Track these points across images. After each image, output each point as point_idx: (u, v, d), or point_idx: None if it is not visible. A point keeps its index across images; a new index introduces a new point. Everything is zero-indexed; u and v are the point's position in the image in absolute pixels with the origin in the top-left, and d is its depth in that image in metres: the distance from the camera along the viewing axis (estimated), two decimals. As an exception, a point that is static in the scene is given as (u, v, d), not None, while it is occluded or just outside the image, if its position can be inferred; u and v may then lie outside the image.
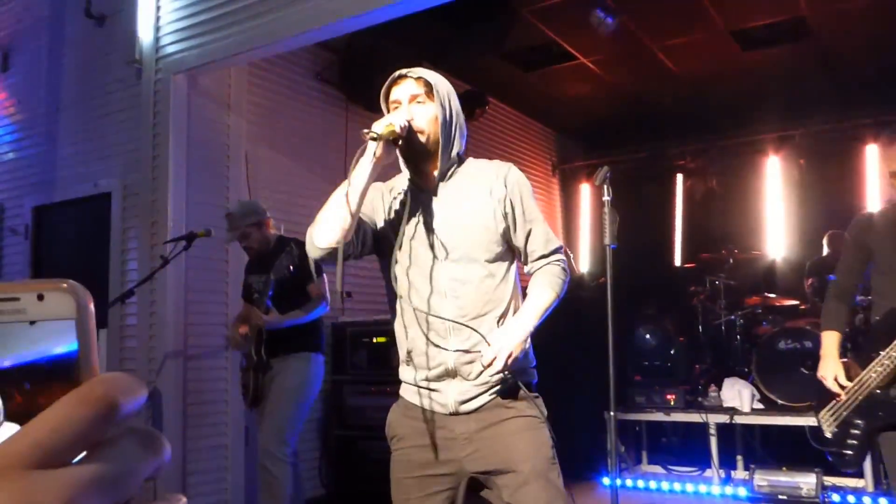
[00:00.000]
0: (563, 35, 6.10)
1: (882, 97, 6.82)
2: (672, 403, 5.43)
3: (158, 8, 4.66)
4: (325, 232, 1.92)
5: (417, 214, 2.01)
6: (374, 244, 2.09)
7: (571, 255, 8.52)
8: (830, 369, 2.81)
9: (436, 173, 2.03)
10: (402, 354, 2.06)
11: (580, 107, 7.91)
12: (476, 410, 1.96)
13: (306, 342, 3.96)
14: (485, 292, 1.97)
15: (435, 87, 1.98)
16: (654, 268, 7.97)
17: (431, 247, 1.98)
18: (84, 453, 0.38)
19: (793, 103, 7.24)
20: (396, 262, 2.01)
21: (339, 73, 5.66)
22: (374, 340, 5.21)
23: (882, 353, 2.62)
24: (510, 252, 2.06)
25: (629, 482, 5.45)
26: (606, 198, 2.63)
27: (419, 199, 2.03)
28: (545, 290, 2.02)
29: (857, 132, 7.22)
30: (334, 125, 5.73)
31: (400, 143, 1.92)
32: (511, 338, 1.90)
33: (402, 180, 2.11)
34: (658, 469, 5.67)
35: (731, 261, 6.47)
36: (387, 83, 2.01)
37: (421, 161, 2.03)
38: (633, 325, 6.17)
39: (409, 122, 1.93)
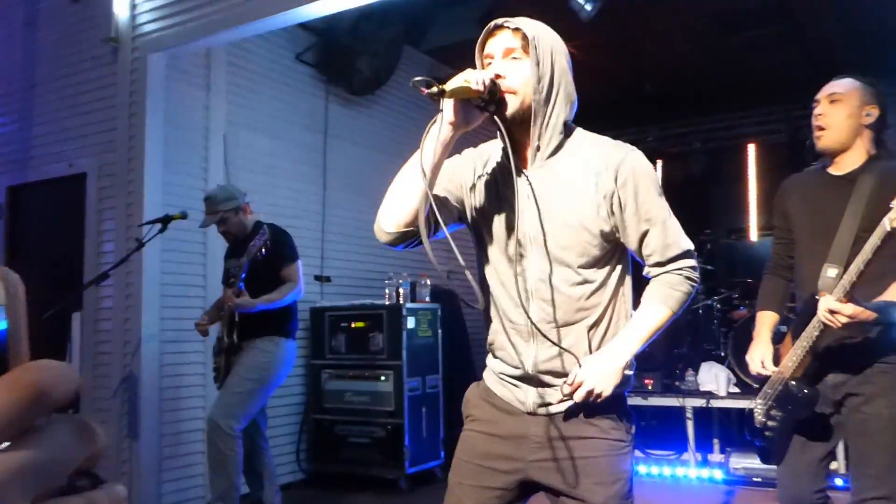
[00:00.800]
0: (544, 19, 6.06)
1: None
2: (650, 388, 5.48)
3: (135, -15, 4.57)
4: (393, 213, 1.68)
5: (508, 197, 1.70)
6: (463, 219, 1.82)
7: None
8: (757, 353, 2.60)
9: (531, 148, 1.70)
10: (487, 341, 1.82)
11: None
12: (556, 415, 1.71)
13: (276, 326, 3.93)
14: (576, 299, 1.68)
15: (533, 39, 1.64)
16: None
17: (520, 239, 1.69)
18: (11, 441, 0.37)
19: (774, 88, 7.26)
20: (484, 247, 1.77)
21: (320, 54, 5.60)
22: (353, 325, 5.20)
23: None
24: (617, 254, 1.73)
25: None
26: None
27: (512, 177, 1.68)
28: (656, 308, 1.69)
29: (836, 119, 7.24)
30: (314, 107, 5.67)
31: (485, 105, 1.60)
32: (604, 373, 1.63)
33: (496, 152, 1.80)
34: (636, 452, 5.71)
35: (710, 245, 6.52)
36: (482, 36, 1.71)
37: (516, 130, 1.68)
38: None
39: (493, 79, 1.60)
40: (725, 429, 5.48)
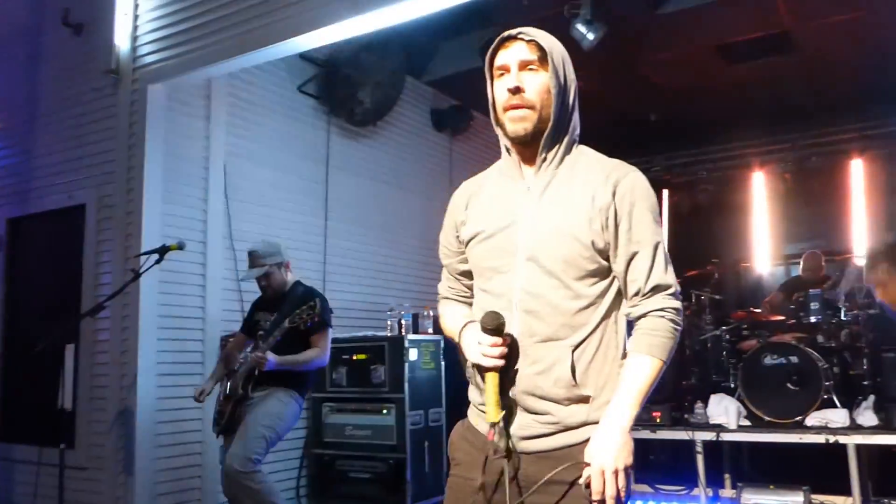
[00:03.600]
0: (547, 48, 6.07)
1: (866, 112, 6.83)
2: (658, 421, 5.35)
3: (136, 17, 4.59)
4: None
5: (506, 207, 1.69)
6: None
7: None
8: None
9: (538, 159, 1.67)
10: (466, 371, 1.75)
11: (566, 121, 7.87)
12: (541, 453, 1.60)
13: (294, 383, 3.89)
14: (562, 313, 1.60)
15: (550, 52, 1.62)
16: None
17: (512, 249, 1.64)
18: None
19: (778, 117, 7.24)
20: (474, 260, 1.74)
21: (321, 85, 5.60)
22: (354, 357, 5.11)
23: None
24: (608, 284, 1.65)
25: (615, 501, 5.35)
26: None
27: (512, 188, 1.70)
28: (646, 361, 1.57)
29: (841, 146, 7.21)
30: (316, 138, 5.66)
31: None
32: (613, 449, 1.51)
33: (495, 171, 1.80)
34: (645, 488, 5.57)
35: (717, 275, 6.43)
36: (492, 46, 1.67)
37: (525, 143, 1.67)
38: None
39: (517, 87, 1.61)
40: (736, 463, 5.34)
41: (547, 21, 5.28)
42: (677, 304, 1.62)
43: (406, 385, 4.91)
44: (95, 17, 4.80)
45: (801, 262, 6.33)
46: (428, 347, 5.19)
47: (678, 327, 1.61)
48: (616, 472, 1.50)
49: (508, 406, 1.61)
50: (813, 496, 4.55)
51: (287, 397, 3.84)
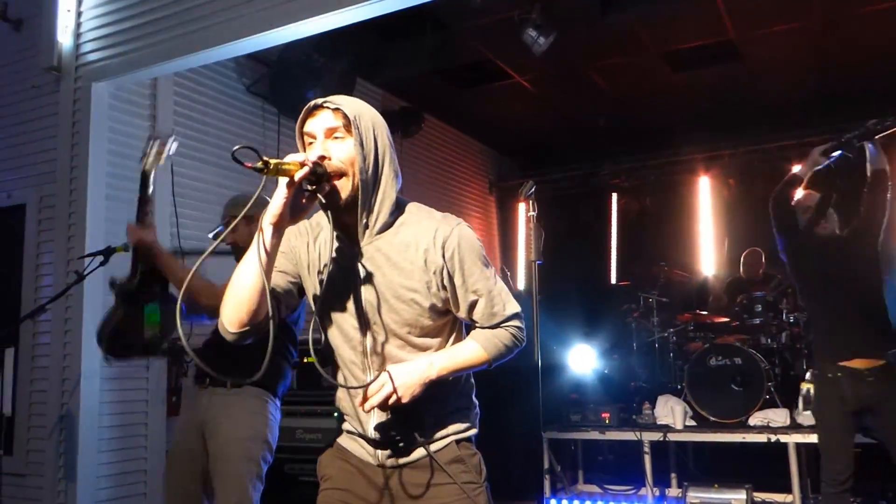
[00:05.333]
0: (497, 53, 6.12)
1: (807, 119, 7.04)
2: (607, 422, 5.43)
3: (80, 14, 4.48)
4: (234, 314, 1.65)
5: (341, 276, 1.72)
6: (302, 294, 1.84)
7: (509, 274, 8.53)
8: None
9: (360, 226, 1.69)
10: (336, 404, 1.88)
11: (516, 125, 7.95)
12: (405, 466, 1.76)
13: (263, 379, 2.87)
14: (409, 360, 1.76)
15: (355, 119, 1.64)
16: (590, 285, 8.03)
17: (357, 319, 1.72)
18: None
19: (722, 124, 7.43)
20: (325, 320, 1.79)
21: (271, 86, 5.54)
22: (305, 360, 5.06)
23: None
24: (450, 323, 1.81)
25: (565, 502, 5.41)
26: (532, 213, 2.60)
27: (344, 254, 1.72)
28: (474, 347, 1.77)
29: (783, 153, 7.43)
30: (266, 139, 5.60)
31: (314, 187, 1.59)
32: (406, 382, 1.67)
33: (326, 224, 1.77)
34: (594, 488, 5.65)
35: (664, 278, 6.56)
36: (301, 115, 1.68)
37: (344, 210, 1.69)
38: (568, 342, 6.17)
39: (318, 161, 1.58)
40: (682, 463, 5.45)
41: (499, 26, 5.37)
42: (520, 323, 1.81)
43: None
44: (36, 12, 4.66)
45: (742, 260, 6.49)
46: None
47: (518, 342, 1.81)
48: (398, 401, 1.67)
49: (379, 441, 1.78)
50: (756, 494, 4.67)
51: (252, 402, 3.07)
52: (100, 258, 3.73)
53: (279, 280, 1.76)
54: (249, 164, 1.50)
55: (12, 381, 3.78)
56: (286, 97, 5.53)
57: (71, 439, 4.11)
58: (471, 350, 1.77)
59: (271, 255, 1.63)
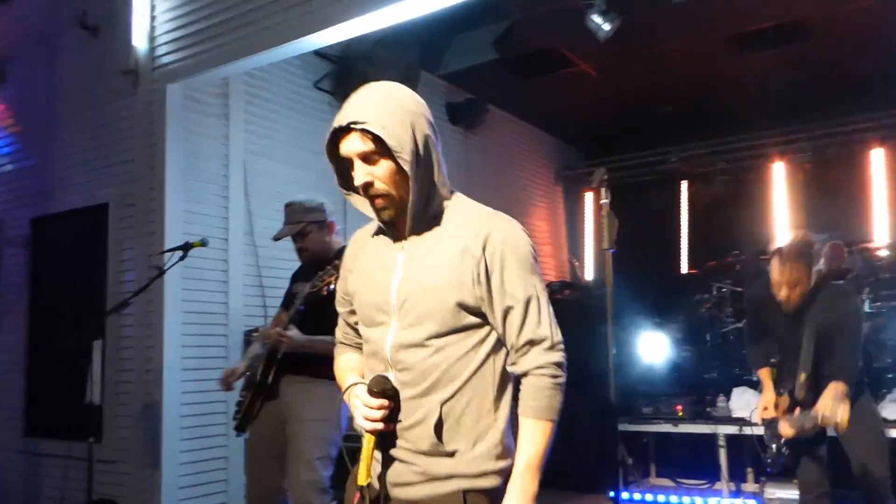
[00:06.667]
0: (561, 41, 6.05)
1: (886, 100, 6.75)
2: (680, 414, 5.33)
3: (153, 17, 4.63)
4: None
5: (382, 264, 1.68)
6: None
7: (577, 264, 8.45)
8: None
9: (407, 224, 1.64)
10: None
11: (582, 113, 7.85)
12: (411, 501, 1.61)
13: (328, 369, 2.85)
14: (430, 367, 1.59)
15: (384, 133, 1.54)
16: (660, 275, 7.89)
17: (386, 307, 1.64)
18: None
19: (796, 107, 7.17)
20: (357, 321, 1.76)
21: (336, 81, 5.62)
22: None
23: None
24: (485, 329, 1.63)
25: (637, 495, 5.34)
26: (604, 200, 2.57)
27: (388, 246, 1.70)
28: (535, 428, 1.58)
29: (861, 135, 7.13)
30: (333, 135, 5.68)
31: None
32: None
33: (379, 226, 1.74)
34: (667, 482, 5.56)
35: (738, 267, 6.39)
36: (328, 136, 1.63)
37: (397, 217, 1.66)
38: (639, 332, 6.08)
39: (366, 187, 1.60)
40: (759, 457, 5.30)
41: (563, 13, 5.31)
42: (556, 356, 1.60)
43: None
44: (112, 18, 4.84)
45: (825, 253, 6.25)
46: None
47: (560, 381, 1.60)
48: None
49: (385, 462, 1.64)
50: (837, 490, 4.52)
51: (327, 391, 3.03)
52: (178, 253, 3.86)
53: (347, 316, 1.83)
54: (357, 498, 1.60)
55: (100, 372, 3.94)
56: (351, 92, 5.58)
57: (154, 428, 4.28)
58: (538, 434, 1.58)
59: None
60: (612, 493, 5.21)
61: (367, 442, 1.58)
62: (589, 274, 8.62)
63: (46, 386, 5.06)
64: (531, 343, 1.58)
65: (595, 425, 5.67)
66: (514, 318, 1.58)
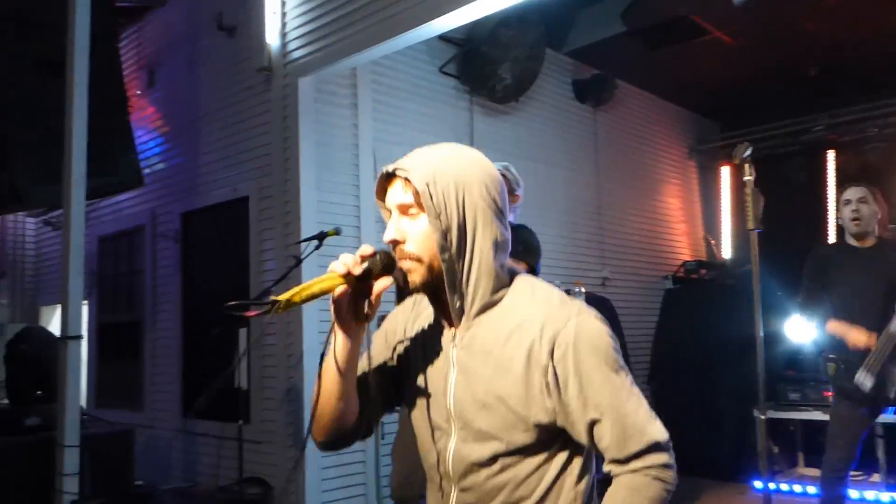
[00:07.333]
0: (693, 8, 5.76)
1: None
2: (830, 400, 5.00)
3: (284, 14, 4.78)
4: (318, 425, 1.46)
5: (434, 361, 1.45)
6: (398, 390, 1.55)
7: (714, 243, 8.09)
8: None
9: (454, 309, 1.39)
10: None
11: (716, 83, 7.46)
12: None
13: None
14: (495, 488, 1.37)
15: (427, 188, 1.33)
16: (805, 252, 7.40)
17: (444, 413, 1.42)
18: None
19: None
20: (413, 421, 1.52)
21: (461, 65, 5.61)
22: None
23: None
24: (559, 440, 1.37)
25: (783, 486, 5.07)
26: (748, 177, 2.41)
27: (440, 338, 1.45)
28: None
29: None
30: (458, 118, 5.69)
31: (380, 279, 1.36)
32: None
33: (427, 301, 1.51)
34: (816, 472, 5.24)
35: (895, 241, 5.88)
36: (377, 182, 1.45)
37: (438, 288, 1.40)
38: (783, 315, 5.74)
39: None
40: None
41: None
42: (666, 457, 1.32)
43: (558, 363, 4.87)
44: (246, 18, 5.04)
45: None
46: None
47: (668, 486, 1.31)
48: None
49: None
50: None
51: None
52: (314, 242, 3.99)
53: (376, 376, 1.49)
54: (252, 313, 1.32)
55: (247, 358, 4.15)
56: (476, 75, 5.58)
57: (297, 410, 4.47)
58: None
59: (349, 360, 1.41)
60: (756, 483, 4.97)
61: (329, 280, 1.36)
62: (726, 252, 8.22)
63: (200, 370, 5.40)
64: (636, 456, 1.31)
65: (737, 412, 5.43)
66: (605, 430, 1.30)
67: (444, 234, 1.33)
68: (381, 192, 1.45)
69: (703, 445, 5.31)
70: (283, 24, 4.78)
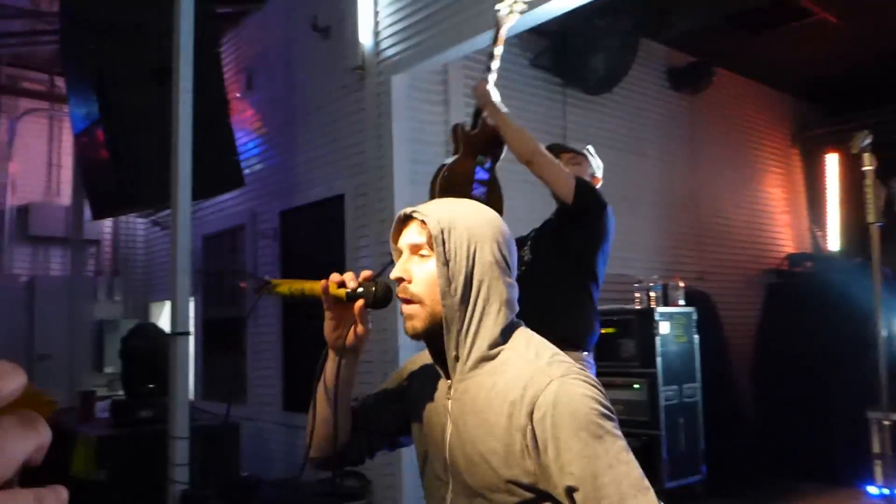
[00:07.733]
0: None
1: None
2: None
3: (377, 13, 4.84)
4: (314, 443, 1.50)
5: (434, 417, 1.45)
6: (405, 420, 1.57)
7: (820, 235, 7.72)
8: None
9: (450, 358, 1.39)
10: None
11: (821, 66, 7.10)
12: None
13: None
14: None
15: (441, 233, 1.34)
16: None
17: (442, 464, 1.41)
18: None
19: None
20: (419, 464, 1.54)
21: (553, 57, 5.54)
22: (602, 331, 5.03)
23: None
24: (546, 501, 1.29)
25: (902, 489, 4.78)
26: (868, 167, 2.26)
27: (437, 387, 1.45)
28: None
29: None
30: (552, 111, 5.63)
31: (373, 305, 1.39)
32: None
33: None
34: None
35: None
36: (394, 225, 1.46)
37: (436, 335, 1.40)
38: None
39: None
40: None
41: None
42: None
43: (658, 359, 4.76)
44: (340, 19, 5.12)
45: None
46: (679, 320, 4.98)
47: None
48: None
49: None
50: None
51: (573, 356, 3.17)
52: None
53: (379, 410, 1.55)
54: (244, 285, 1.38)
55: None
56: (569, 67, 5.50)
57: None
58: None
59: (337, 384, 1.42)
60: (871, 489, 4.71)
61: (312, 286, 1.44)
62: (833, 245, 7.83)
63: (299, 365, 5.54)
64: None
65: (847, 413, 5.16)
66: (581, 501, 1.21)
67: (450, 281, 1.34)
68: (396, 235, 1.46)
69: (811, 446, 5.09)
70: (376, 23, 4.83)
